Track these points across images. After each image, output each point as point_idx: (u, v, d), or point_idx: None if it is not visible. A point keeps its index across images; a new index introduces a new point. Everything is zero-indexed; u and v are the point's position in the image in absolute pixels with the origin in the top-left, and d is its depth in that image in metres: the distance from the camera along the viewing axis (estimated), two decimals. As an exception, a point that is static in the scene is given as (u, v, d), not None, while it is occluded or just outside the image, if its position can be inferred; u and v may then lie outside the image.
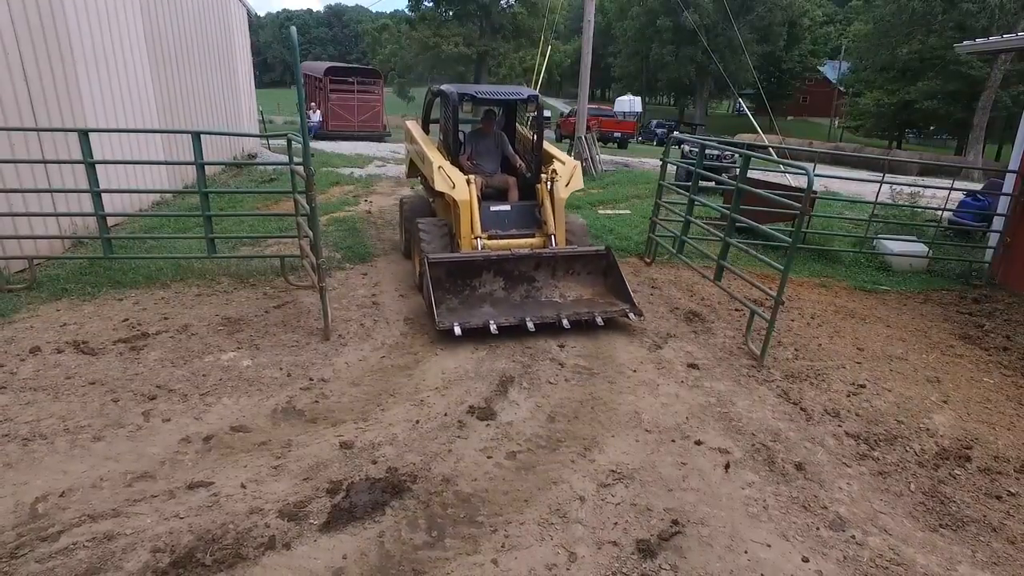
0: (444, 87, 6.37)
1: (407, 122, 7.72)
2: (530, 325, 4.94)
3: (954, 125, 34.04)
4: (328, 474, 3.25)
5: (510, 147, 6.63)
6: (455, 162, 6.19)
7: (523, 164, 6.39)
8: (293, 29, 4.10)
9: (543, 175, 5.98)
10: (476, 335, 4.91)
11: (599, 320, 5.18)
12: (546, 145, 6.62)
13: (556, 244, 5.71)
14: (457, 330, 4.78)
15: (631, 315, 5.24)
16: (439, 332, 4.86)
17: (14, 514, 2.87)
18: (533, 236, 5.85)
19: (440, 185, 5.63)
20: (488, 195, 6.16)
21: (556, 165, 6.06)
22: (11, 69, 5.82)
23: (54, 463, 3.26)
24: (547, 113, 6.42)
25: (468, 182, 5.63)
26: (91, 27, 7.32)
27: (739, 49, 30.07)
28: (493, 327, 4.86)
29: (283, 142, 6.42)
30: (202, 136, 5.61)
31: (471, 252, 5.43)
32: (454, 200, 5.62)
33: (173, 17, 9.96)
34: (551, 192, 5.84)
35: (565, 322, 5.07)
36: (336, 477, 3.23)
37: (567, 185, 5.96)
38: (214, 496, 3.05)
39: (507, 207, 6.00)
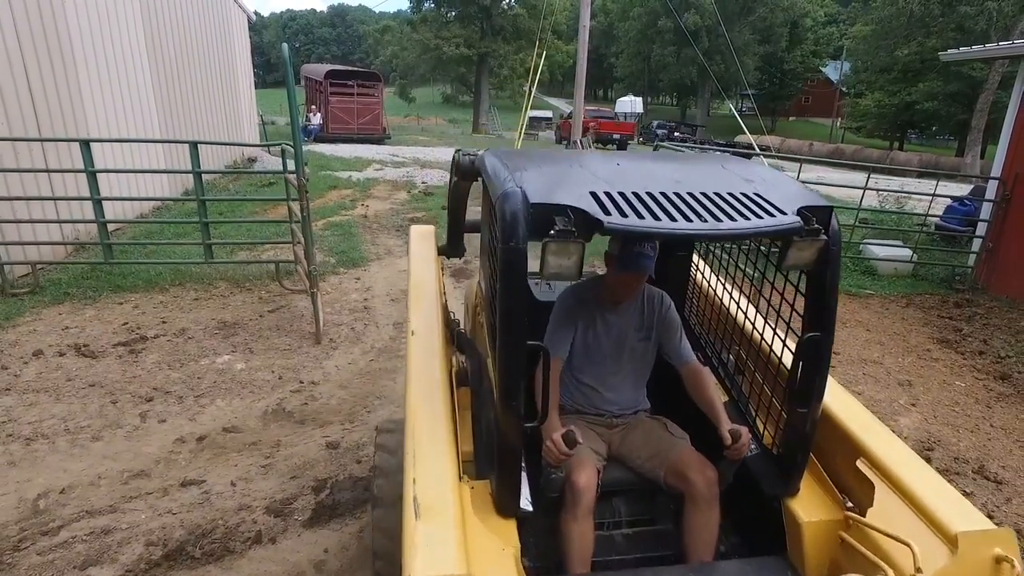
0: (481, 154, 1.96)
1: (412, 232, 3.24)
2: None
3: (955, 126, 34.07)
4: (314, 473, 3.43)
5: (687, 345, 2.21)
6: (509, 406, 1.53)
7: (732, 430, 1.83)
8: (284, 46, 4.30)
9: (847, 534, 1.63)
10: None
11: None
12: (833, 392, 1.90)
13: None
14: None
15: None
16: None
17: (17, 509, 3.06)
18: None
19: None
20: (614, 484, 2.07)
21: (908, 518, 1.53)
22: (15, 80, 6.02)
23: (55, 462, 3.45)
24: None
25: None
26: (93, 37, 7.52)
27: (740, 49, 30.27)
28: None
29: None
30: (201, 143, 5.80)
31: None
32: None
33: (173, 25, 10.17)
34: None
35: None
36: (322, 476, 3.41)
37: None
38: (205, 493, 3.23)
39: None
